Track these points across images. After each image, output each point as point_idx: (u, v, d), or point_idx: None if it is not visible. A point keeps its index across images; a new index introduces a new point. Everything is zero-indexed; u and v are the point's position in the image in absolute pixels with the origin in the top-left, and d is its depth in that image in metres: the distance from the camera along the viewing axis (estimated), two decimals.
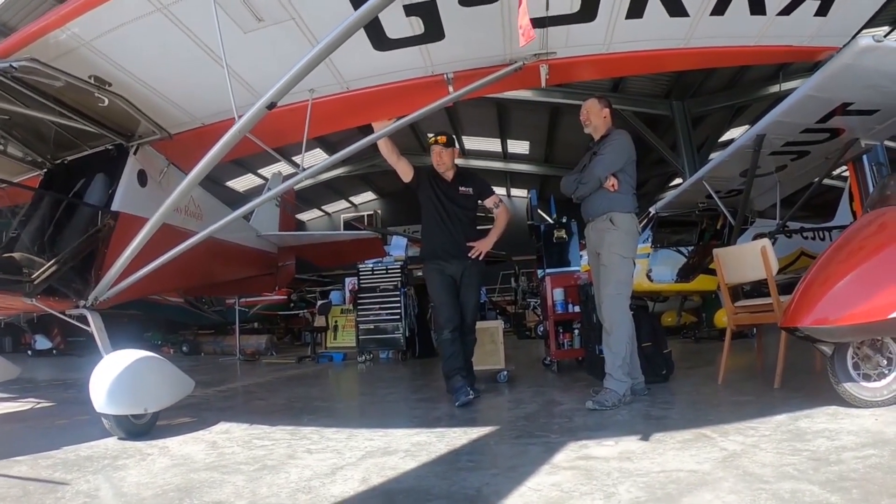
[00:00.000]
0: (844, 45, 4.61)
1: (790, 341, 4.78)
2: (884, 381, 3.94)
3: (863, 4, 4.33)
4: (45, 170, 5.69)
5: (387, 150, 5.59)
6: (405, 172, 5.72)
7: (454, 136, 6.16)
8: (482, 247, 5.64)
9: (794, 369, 5.52)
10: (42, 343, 15.68)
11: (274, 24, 4.02)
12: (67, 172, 5.55)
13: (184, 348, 15.90)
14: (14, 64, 4.07)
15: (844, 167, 7.62)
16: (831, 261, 4.23)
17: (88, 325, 4.90)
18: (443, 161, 5.76)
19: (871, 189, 6.54)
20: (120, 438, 4.22)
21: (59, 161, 5.66)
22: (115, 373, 4.25)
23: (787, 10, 4.25)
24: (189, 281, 7.61)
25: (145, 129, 5.30)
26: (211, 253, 7.13)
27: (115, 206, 5.19)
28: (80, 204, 5.20)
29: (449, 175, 5.81)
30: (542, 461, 3.18)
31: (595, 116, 5.32)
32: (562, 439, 3.67)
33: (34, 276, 4.60)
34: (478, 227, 5.87)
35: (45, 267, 4.65)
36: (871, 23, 4.95)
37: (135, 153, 5.44)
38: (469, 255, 5.60)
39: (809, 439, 3.25)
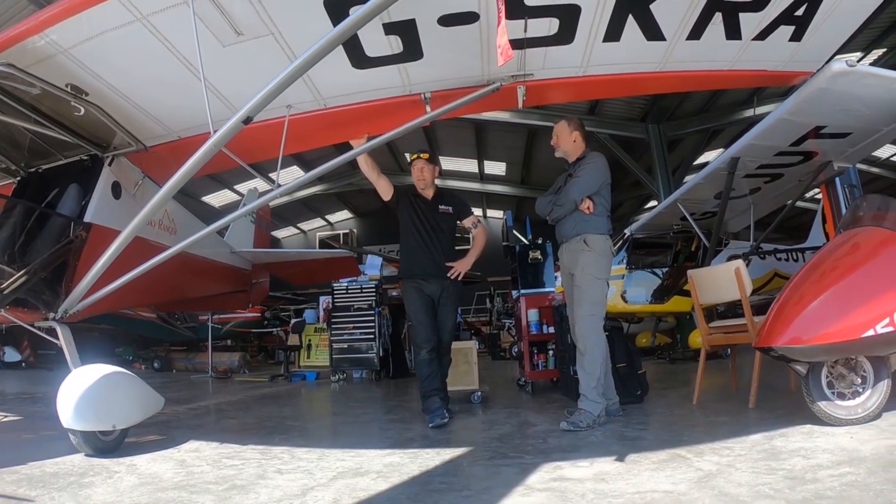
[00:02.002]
0: (818, 70, 4.68)
1: (765, 361, 4.79)
2: (858, 400, 3.99)
3: (836, 31, 4.40)
4: (19, 178, 5.59)
5: (367, 168, 5.57)
6: (385, 190, 5.68)
7: (436, 154, 6.16)
8: (461, 267, 5.61)
9: (768, 389, 5.56)
10: (11, 355, 15.35)
11: (253, 39, 3.99)
12: (41, 181, 5.46)
13: (155, 364, 15.70)
14: None
15: (817, 189, 7.72)
16: (805, 281, 4.28)
17: (58, 338, 4.82)
18: (423, 177, 5.75)
19: (843, 210, 6.66)
20: (87, 455, 4.14)
21: (33, 169, 5.57)
22: (84, 388, 4.19)
23: (762, 36, 4.32)
24: (161, 296, 7.51)
25: (121, 141, 5.23)
26: (184, 268, 7.05)
27: (87, 218, 5.10)
28: (52, 214, 5.11)
29: (429, 193, 5.80)
30: (516, 483, 3.15)
31: (564, 141, 5.34)
32: (536, 460, 3.65)
33: (3, 286, 4.50)
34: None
35: (15, 277, 4.54)
36: (844, 48, 5.04)
37: (109, 164, 5.37)
38: (448, 275, 5.57)
39: (785, 458, 3.27)
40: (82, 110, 4.58)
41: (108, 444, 4.25)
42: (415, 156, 5.83)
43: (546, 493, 2.91)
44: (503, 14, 3.49)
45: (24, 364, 15.48)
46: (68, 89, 4.41)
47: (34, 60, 4.09)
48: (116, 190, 5.43)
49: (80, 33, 3.90)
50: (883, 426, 3.85)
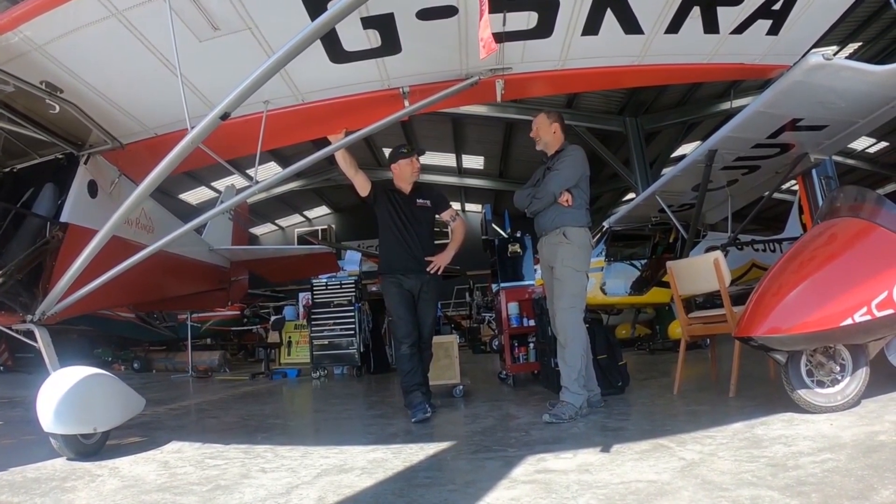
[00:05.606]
0: (795, 63, 4.73)
1: (744, 351, 4.85)
2: (837, 387, 4.03)
3: (812, 25, 4.44)
4: None
5: (345, 163, 5.52)
6: (362, 186, 5.65)
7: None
8: (440, 261, 5.59)
9: (748, 378, 5.61)
10: None
11: (230, 34, 3.94)
12: (15, 181, 5.37)
13: (135, 365, 15.54)
14: None
15: (794, 181, 7.80)
16: (783, 271, 4.32)
17: (36, 340, 4.75)
18: (415, 169, 5.75)
19: (820, 201, 6.73)
20: (69, 459, 4.10)
21: (7, 169, 5.47)
22: (63, 391, 4.13)
23: (739, 29, 4.35)
24: (140, 295, 7.44)
25: (97, 139, 5.15)
26: (162, 267, 7.00)
27: (63, 218, 5.02)
28: (28, 214, 5.02)
29: (407, 188, 5.77)
30: (500, 476, 3.16)
31: (545, 132, 5.37)
32: (519, 453, 3.66)
33: None
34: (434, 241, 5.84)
35: None
36: (821, 42, 5.11)
37: (85, 163, 5.29)
38: (427, 269, 5.56)
39: (766, 446, 3.30)
40: (57, 108, 4.49)
41: (90, 448, 4.20)
42: (407, 150, 5.81)
43: (531, 486, 2.92)
44: (486, 7, 3.48)
45: (1, 368, 15.25)
46: (43, 87, 4.32)
47: (7, 58, 4.00)
48: (93, 189, 5.36)
49: (55, 29, 3.83)
50: (862, 413, 3.88)
